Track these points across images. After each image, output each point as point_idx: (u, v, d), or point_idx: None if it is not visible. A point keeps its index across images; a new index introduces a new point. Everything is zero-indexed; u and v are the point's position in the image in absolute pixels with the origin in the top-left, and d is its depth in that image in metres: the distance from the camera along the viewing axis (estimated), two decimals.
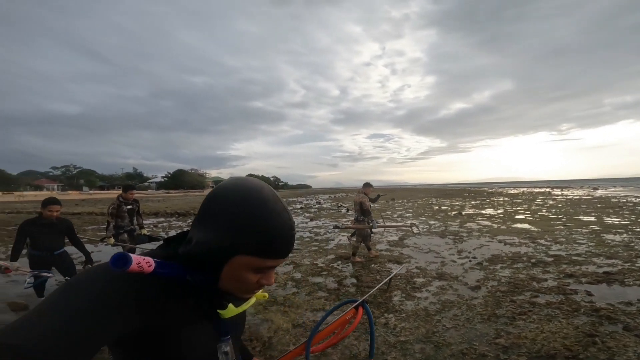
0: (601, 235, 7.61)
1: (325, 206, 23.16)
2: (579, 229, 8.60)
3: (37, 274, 3.25)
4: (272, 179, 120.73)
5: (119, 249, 4.93)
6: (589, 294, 3.70)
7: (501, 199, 24.61)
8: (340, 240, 8.28)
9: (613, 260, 5.21)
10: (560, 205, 17.15)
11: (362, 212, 6.00)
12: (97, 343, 0.45)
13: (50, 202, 3.48)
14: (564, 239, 7.27)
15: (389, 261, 5.86)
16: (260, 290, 0.65)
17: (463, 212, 14.53)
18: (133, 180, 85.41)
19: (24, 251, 3.56)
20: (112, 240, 4.74)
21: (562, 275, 4.51)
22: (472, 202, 21.42)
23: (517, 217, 12.52)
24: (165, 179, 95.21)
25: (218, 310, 0.60)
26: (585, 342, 2.59)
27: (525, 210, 15.28)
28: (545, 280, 4.32)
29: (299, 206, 23.67)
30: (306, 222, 12.74)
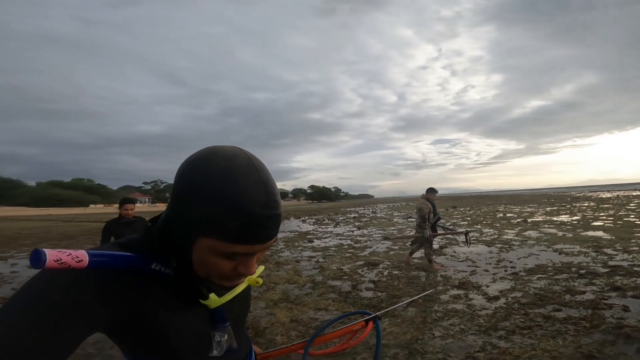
0: None
1: (379, 215, 22.85)
2: None
3: None
4: (333, 189, 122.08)
5: None
6: (626, 309, 3.18)
7: (585, 204, 21.70)
8: (377, 247, 8.21)
9: None
10: None
11: (420, 217, 5.87)
12: (62, 346, 0.41)
13: (125, 201, 3.76)
14: (637, 248, 6.26)
15: (417, 268, 5.69)
16: (257, 274, 0.59)
17: (529, 220, 13.15)
18: None
19: None
20: None
21: (608, 287, 3.94)
22: (547, 209, 19.16)
23: (594, 223, 11.00)
24: None
25: (201, 301, 0.53)
26: None
27: (608, 216, 13.31)
28: (584, 292, 3.82)
29: (352, 215, 23.70)
30: (352, 231, 12.78)
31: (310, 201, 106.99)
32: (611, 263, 5.18)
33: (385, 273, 5.35)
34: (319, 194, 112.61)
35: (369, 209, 33.81)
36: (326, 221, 18.91)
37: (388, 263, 6.13)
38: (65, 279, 0.43)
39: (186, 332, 0.53)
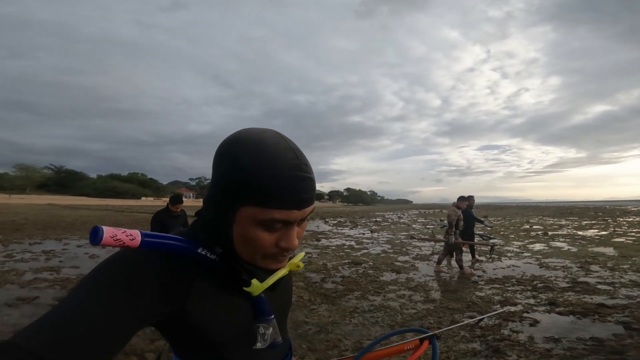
0: None
1: (402, 221, 22.93)
2: None
3: None
4: (369, 192, 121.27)
5: None
6: (533, 324, 3.40)
7: (629, 219, 19.99)
8: (373, 249, 8.74)
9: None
10: None
11: (448, 224, 6.16)
12: (119, 336, 0.42)
13: (176, 201, 4.13)
14: (628, 265, 6.24)
15: (390, 270, 6.20)
16: (298, 259, 0.59)
17: (550, 233, 12.74)
18: None
19: None
20: None
21: (544, 302, 4.14)
22: (583, 223, 18.05)
23: (614, 239, 10.50)
24: None
25: (245, 289, 0.52)
26: None
27: (628, 230, 12.66)
28: (515, 304, 4.05)
29: (375, 219, 24.03)
30: (363, 234, 13.32)
31: (345, 204, 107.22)
32: (581, 279, 5.26)
33: (360, 271, 5.92)
34: (355, 197, 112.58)
35: (397, 214, 33.69)
36: (347, 224, 19.50)
37: (370, 264, 6.68)
38: (122, 262, 0.46)
39: (229, 321, 0.53)
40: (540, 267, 6.32)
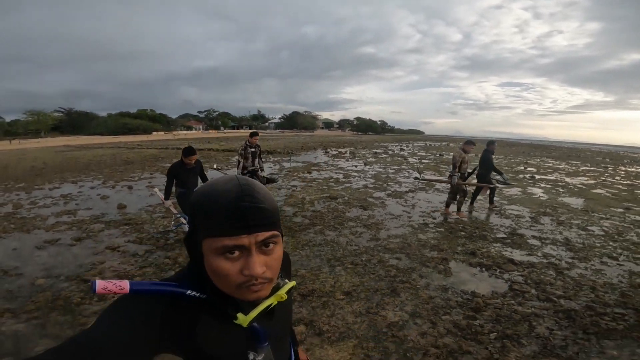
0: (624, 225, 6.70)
1: (402, 153, 23.43)
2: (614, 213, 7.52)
3: (178, 217, 4.44)
4: (379, 122, 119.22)
5: None
6: (442, 270, 3.74)
7: (630, 169, 19.23)
8: (356, 184, 9.50)
9: (562, 251, 5.11)
10: None
11: (452, 165, 6.19)
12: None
13: (189, 153, 4.08)
14: (577, 222, 6.18)
15: (359, 206, 6.99)
16: (284, 290, 0.62)
17: (537, 177, 12.75)
18: (256, 121, 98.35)
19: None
20: None
21: (467, 249, 4.48)
22: (580, 168, 17.67)
23: (594, 190, 10.31)
24: (282, 119, 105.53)
25: (234, 321, 0.57)
26: None
27: (617, 181, 12.77)
28: (434, 245, 4.92)
29: (376, 151, 24.53)
30: (356, 166, 14.03)
31: (355, 132, 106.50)
32: (520, 231, 5.42)
33: (332, 206, 6.68)
34: (365, 126, 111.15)
35: (400, 146, 33.95)
36: (346, 154, 20.13)
37: (346, 199, 7.45)
38: (115, 310, 0.53)
39: (223, 353, 0.58)
40: (495, 215, 6.57)
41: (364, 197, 7.63)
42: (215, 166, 11.18)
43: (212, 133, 64.69)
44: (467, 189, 6.49)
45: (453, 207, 6.48)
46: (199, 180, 4.42)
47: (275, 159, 16.40)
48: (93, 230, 5.03)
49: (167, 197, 4.31)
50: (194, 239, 0.57)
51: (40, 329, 2.63)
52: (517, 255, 4.40)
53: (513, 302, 3.18)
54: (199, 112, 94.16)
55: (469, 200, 7.08)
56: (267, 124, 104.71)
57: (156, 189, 5.11)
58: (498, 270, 3.90)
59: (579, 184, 11.56)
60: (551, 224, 6.00)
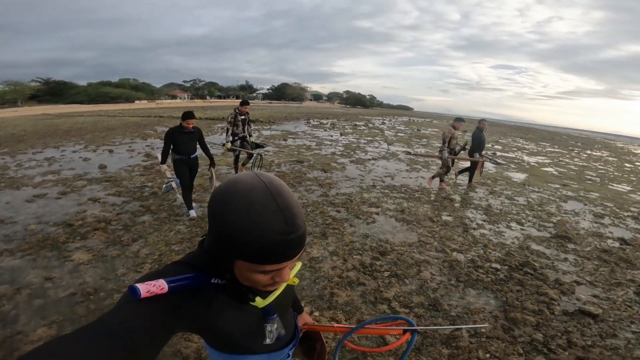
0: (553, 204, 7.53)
1: (381, 127, 24.15)
2: (545, 191, 8.32)
3: (170, 180, 4.45)
4: (368, 96, 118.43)
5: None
6: (370, 221, 5.01)
7: (596, 153, 20.21)
8: (326, 151, 10.18)
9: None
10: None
11: (442, 140, 6.51)
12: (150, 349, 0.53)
13: (188, 116, 3.99)
14: (500, 189, 7.10)
15: (321, 169, 7.75)
16: (293, 273, 0.70)
17: (498, 153, 13.51)
18: (244, 91, 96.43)
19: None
20: (229, 144, 5.80)
21: (399, 207, 5.25)
22: (546, 149, 18.46)
23: (544, 168, 11.12)
24: (270, 90, 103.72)
25: (251, 303, 0.68)
26: None
27: (573, 162, 13.68)
28: (374, 202, 5.75)
29: (357, 123, 25.10)
30: (331, 136, 14.75)
31: (343, 105, 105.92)
32: (453, 197, 6.20)
33: (296, 169, 7.42)
34: (354, 100, 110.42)
35: (382, 120, 34.54)
36: (327, 125, 20.68)
37: (312, 162, 8.23)
38: (153, 304, 0.56)
39: (243, 327, 0.70)
40: (416, 180, 7.37)
41: (328, 162, 8.41)
42: None
43: (198, 102, 63.54)
44: (452, 165, 6.73)
45: (452, 176, 7.10)
46: (198, 148, 4.35)
47: (256, 127, 16.87)
48: (76, 186, 5.65)
49: (163, 161, 4.28)
50: (220, 253, 0.61)
51: (32, 262, 3.21)
52: (438, 215, 5.10)
53: (415, 250, 3.80)
54: (184, 81, 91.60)
55: (467, 179, 7.42)
56: (254, 94, 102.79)
57: (156, 152, 5.34)
58: (416, 225, 4.58)
59: (533, 162, 12.39)
60: (483, 193, 6.79)
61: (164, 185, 4.25)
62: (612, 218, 5.89)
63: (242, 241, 0.54)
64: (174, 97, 75.83)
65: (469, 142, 7.14)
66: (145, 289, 0.54)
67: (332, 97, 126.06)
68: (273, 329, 0.74)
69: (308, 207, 5.02)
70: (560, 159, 14.93)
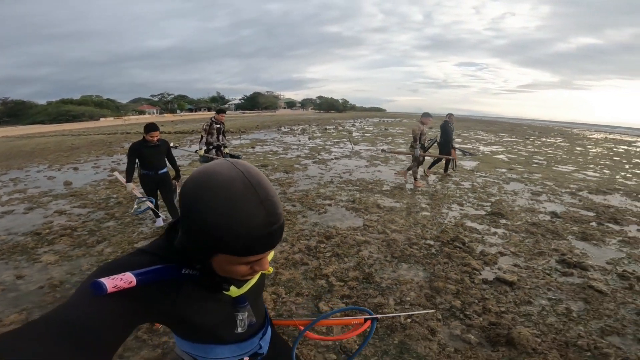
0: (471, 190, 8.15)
1: (350, 129, 24.86)
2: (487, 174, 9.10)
3: (141, 200, 3.56)
4: (341, 100, 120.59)
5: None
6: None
7: (549, 140, 21.57)
8: (290, 155, 10.58)
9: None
10: (581, 152, 15.79)
11: (413, 138, 6.63)
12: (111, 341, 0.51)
13: (151, 128, 3.75)
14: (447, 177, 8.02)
15: (283, 170, 8.16)
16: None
17: (456, 145, 14.30)
18: (215, 103, 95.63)
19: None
20: (202, 151, 5.71)
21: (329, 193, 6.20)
22: (503, 139, 19.73)
23: (496, 156, 11.88)
24: (243, 100, 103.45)
25: (224, 292, 0.67)
26: None
27: (526, 149, 14.75)
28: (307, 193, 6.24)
29: (327, 127, 25.63)
30: (299, 140, 15.18)
31: (317, 111, 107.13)
32: (405, 185, 6.89)
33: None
34: (327, 105, 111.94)
35: (353, 122, 35.50)
36: (297, 131, 21.07)
37: (275, 165, 8.63)
38: (120, 295, 0.53)
39: (215, 317, 0.69)
40: (396, 173, 7.86)
41: (291, 164, 8.82)
42: (172, 144, 11.08)
43: (168, 117, 62.47)
44: (422, 160, 6.92)
45: (421, 171, 7.24)
46: (166, 162, 4.13)
47: (226, 137, 17.01)
48: (42, 202, 5.76)
49: (128, 180, 3.95)
50: (198, 249, 0.58)
51: (5, 265, 3.45)
52: (386, 202, 5.55)
53: (358, 233, 4.14)
54: (152, 95, 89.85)
55: (443, 169, 7.96)
56: (227, 105, 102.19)
57: (116, 173, 4.80)
58: (364, 212, 5.00)
59: (487, 151, 13.35)
60: (434, 180, 7.45)
61: (135, 206, 3.75)
62: (548, 195, 6.56)
63: (225, 237, 0.53)
64: (141, 112, 74.11)
65: (438, 136, 7.70)
66: (112, 284, 0.51)
67: (305, 103, 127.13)
68: (244, 317, 0.73)
69: None
70: (514, 147, 16.05)
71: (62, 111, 50.62)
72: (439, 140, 7.68)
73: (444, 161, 8.02)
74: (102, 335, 0.49)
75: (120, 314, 0.53)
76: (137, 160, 3.89)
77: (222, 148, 5.99)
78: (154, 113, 74.81)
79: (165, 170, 4.05)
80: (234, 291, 0.68)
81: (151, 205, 3.52)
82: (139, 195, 3.86)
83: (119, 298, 0.53)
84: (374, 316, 1.02)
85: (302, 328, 0.98)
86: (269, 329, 0.90)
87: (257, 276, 0.75)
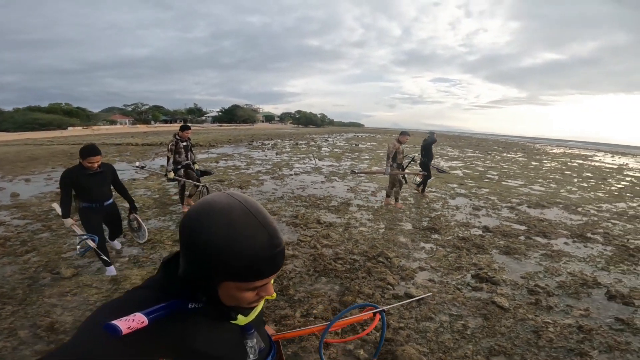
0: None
1: (321, 144, 25.24)
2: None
3: (84, 240, 3.15)
4: (319, 115, 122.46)
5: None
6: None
7: (510, 156, 22.69)
8: (251, 170, 10.58)
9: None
10: (532, 168, 16.79)
11: (386, 156, 6.42)
12: None
13: (89, 153, 2.99)
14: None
15: (239, 185, 8.18)
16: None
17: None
18: (192, 115, 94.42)
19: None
20: (171, 174, 5.31)
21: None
22: (469, 154, 20.65)
23: (452, 171, 12.65)
24: (220, 113, 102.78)
25: (232, 322, 0.67)
26: None
27: (484, 164, 15.46)
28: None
29: (299, 142, 25.96)
30: (266, 156, 15.19)
31: (295, 125, 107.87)
32: (352, 201, 7.28)
33: (214, 187, 7.66)
34: (305, 119, 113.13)
35: (326, 138, 36.08)
36: (268, 146, 21.10)
37: (232, 180, 8.55)
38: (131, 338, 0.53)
39: (226, 347, 0.67)
40: (348, 190, 8.47)
41: (248, 180, 8.78)
42: (137, 164, 9.47)
43: (141, 127, 61.03)
44: (403, 179, 6.69)
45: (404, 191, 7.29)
46: (112, 191, 3.42)
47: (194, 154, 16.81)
48: None
49: (65, 214, 3.15)
50: (202, 278, 0.59)
51: None
52: (328, 218, 5.61)
53: (289, 248, 4.18)
54: (125, 105, 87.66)
55: (421, 189, 7.86)
56: (204, 117, 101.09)
57: (55, 204, 3.86)
58: (302, 227, 5.05)
59: (446, 167, 13.72)
60: (381, 196, 7.49)
61: (78, 246, 3.22)
62: (488, 210, 6.84)
63: (231, 263, 0.54)
64: (113, 122, 72.04)
65: (417, 156, 7.76)
66: (126, 325, 0.52)
67: (284, 117, 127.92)
68: (254, 344, 0.73)
69: None
70: (474, 162, 16.74)
71: (28, 119, 48.41)
72: (422, 160, 7.70)
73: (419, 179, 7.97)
74: None
75: (139, 355, 0.55)
76: (73, 192, 3.17)
77: (192, 165, 5.65)
78: (126, 123, 72.89)
79: (111, 201, 3.39)
80: (241, 319, 0.69)
81: (93, 245, 3.07)
82: (81, 233, 3.29)
83: (136, 339, 0.54)
84: (381, 309, 1.06)
85: (318, 334, 1.04)
86: (274, 349, 0.90)
87: (262, 303, 0.75)
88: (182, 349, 0.62)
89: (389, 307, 1.28)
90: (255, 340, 0.73)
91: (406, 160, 6.71)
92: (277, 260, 0.58)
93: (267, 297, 0.67)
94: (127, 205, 3.71)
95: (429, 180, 8.12)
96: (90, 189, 3.14)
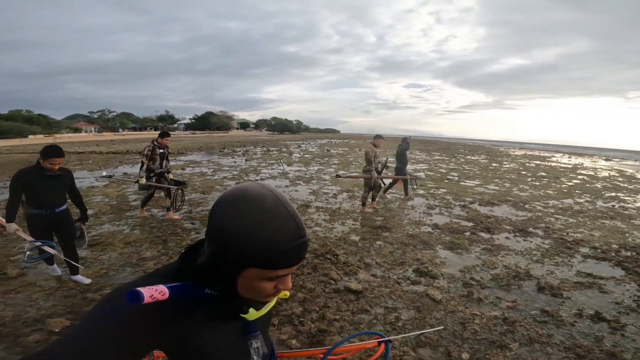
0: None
1: (295, 150, 25.36)
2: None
3: (40, 247, 2.82)
4: (295, 122, 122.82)
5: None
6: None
7: (474, 158, 23.80)
8: (219, 176, 10.54)
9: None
10: (491, 168, 17.75)
11: (365, 161, 6.43)
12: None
13: (53, 153, 2.84)
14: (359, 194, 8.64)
15: (202, 191, 8.16)
16: None
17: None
18: (163, 122, 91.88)
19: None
20: (144, 180, 5.15)
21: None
22: (435, 157, 21.60)
23: (416, 173, 12.97)
24: (194, 120, 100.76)
25: (242, 315, 0.66)
26: None
27: (447, 167, 16.21)
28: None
29: (270, 148, 26.03)
30: (235, 162, 15.17)
31: (271, 132, 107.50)
32: (314, 203, 7.50)
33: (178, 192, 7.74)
34: (281, 126, 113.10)
35: (300, 144, 36.25)
36: (239, 153, 20.94)
37: (197, 186, 8.50)
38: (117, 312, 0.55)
39: (226, 345, 0.65)
40: (324, 193, 8.52)
41: (212, 185, 8.75)
42: (104, 173, 8.66)
43: (108, 135, 58.72)
44: (381, 182, 6.73)
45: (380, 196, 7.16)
46: (67, 197, 3.21)
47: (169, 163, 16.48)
48: None
49: (10, 219, 2.86)
50: (227, 265, 0.58)
51: None
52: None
53: None
54: (91, 112, 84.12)
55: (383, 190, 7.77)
56: (176, 124, 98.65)
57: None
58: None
59: (410, 170, 14.33)
60: (345, 197, 7.77)
61: (27, 252, 2.90)
62: (441, 208, 7.13)
63: (260, 248, 0.55)
64: (77, 130, 68.78)
65: (387, 160, 7.68)
66: (149, 293, 0.52)
67: (260, 124, 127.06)
68: (258, 346, 0.71)
69: (167, 222, 5.39)
70: (438, 164, 17.45)
71: None
72: (396, 165, 7.83)
73: (400, 184, 8.08)
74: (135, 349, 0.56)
75: (153, 330, 0.57)
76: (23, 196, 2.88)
77: (166, 174, 5.48)
78: (91, 131, 69.77)
79: (64, 207, 3.13)
80: (252, 314, 0.67)
81: (54, 252, 2.84)
82: (31, 238, 2.94)
83: (155, 311, 0.56)
84: (387, 338, 1.04)
85: (320, 356, 0.99)
86: (274, 357, 0.87)
87: (274, 301, 0.73)
88: (185, 339, 0.61)
89: (395, 337, 1.27)
90: (259, 342, 0.72)
91: (380, 165, 6.76)
92: (301, 250, 0.59)
93: (280, 296, 0.69)
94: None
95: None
96: (44, 193, 2.93)
